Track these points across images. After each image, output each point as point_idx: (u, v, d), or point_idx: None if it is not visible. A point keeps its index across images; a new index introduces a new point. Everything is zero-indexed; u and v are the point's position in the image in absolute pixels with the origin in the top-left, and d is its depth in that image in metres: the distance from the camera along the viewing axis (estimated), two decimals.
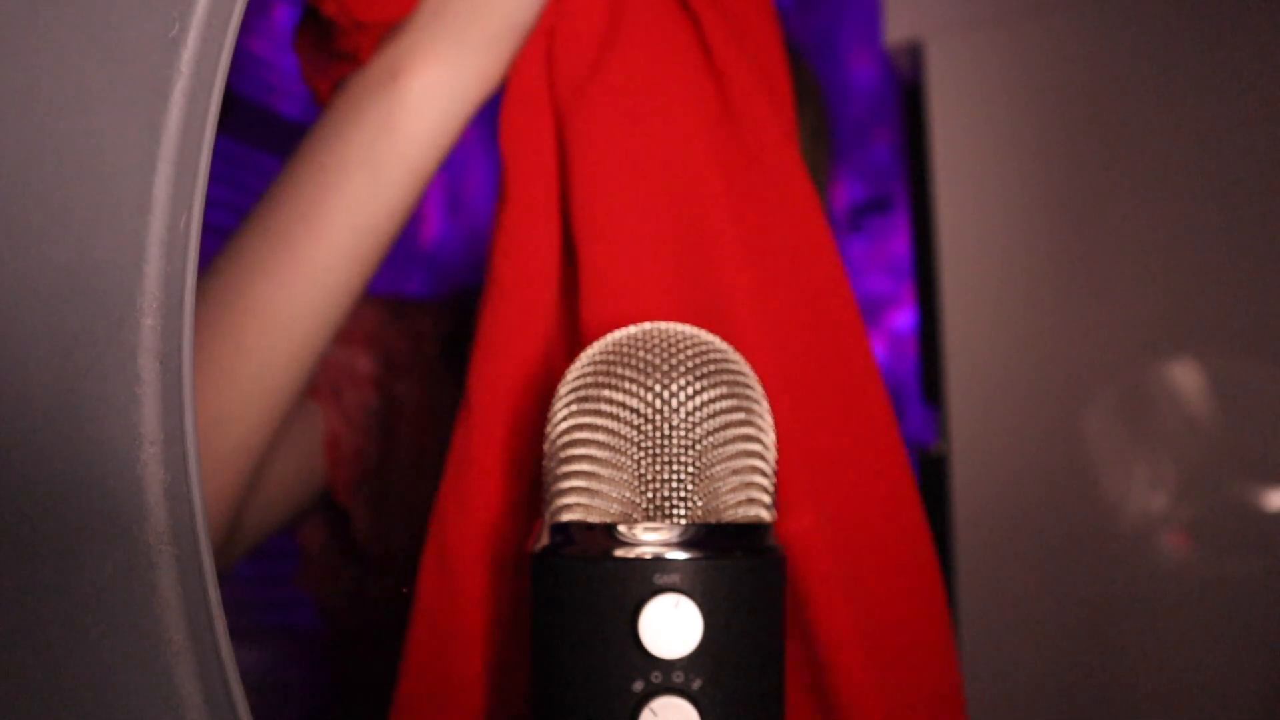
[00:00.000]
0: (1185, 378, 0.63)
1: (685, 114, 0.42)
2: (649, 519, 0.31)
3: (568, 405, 0.34)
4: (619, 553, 0.31)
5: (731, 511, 0.32)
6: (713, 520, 0.32)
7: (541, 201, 0.42)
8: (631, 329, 0.35)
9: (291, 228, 0.42)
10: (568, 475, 0.33)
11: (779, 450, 0.35)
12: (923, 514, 0.40)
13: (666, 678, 0.30)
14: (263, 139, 0.77)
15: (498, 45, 0.43)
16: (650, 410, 0.32)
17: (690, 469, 0.32)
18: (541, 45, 0.44)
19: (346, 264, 0.42)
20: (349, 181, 0.42)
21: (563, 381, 0.35)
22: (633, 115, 0.42)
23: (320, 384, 0.57)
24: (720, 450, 0.32)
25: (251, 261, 0.42)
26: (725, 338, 0.35)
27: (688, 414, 0.32)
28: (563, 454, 0.34)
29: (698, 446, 0.32)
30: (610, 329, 0.35)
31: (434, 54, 0.43)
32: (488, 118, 0.46)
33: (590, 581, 0.31)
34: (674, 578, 0.30)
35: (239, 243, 0.43)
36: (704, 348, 0.34)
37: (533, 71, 0.44)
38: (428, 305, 0.67)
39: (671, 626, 0.30)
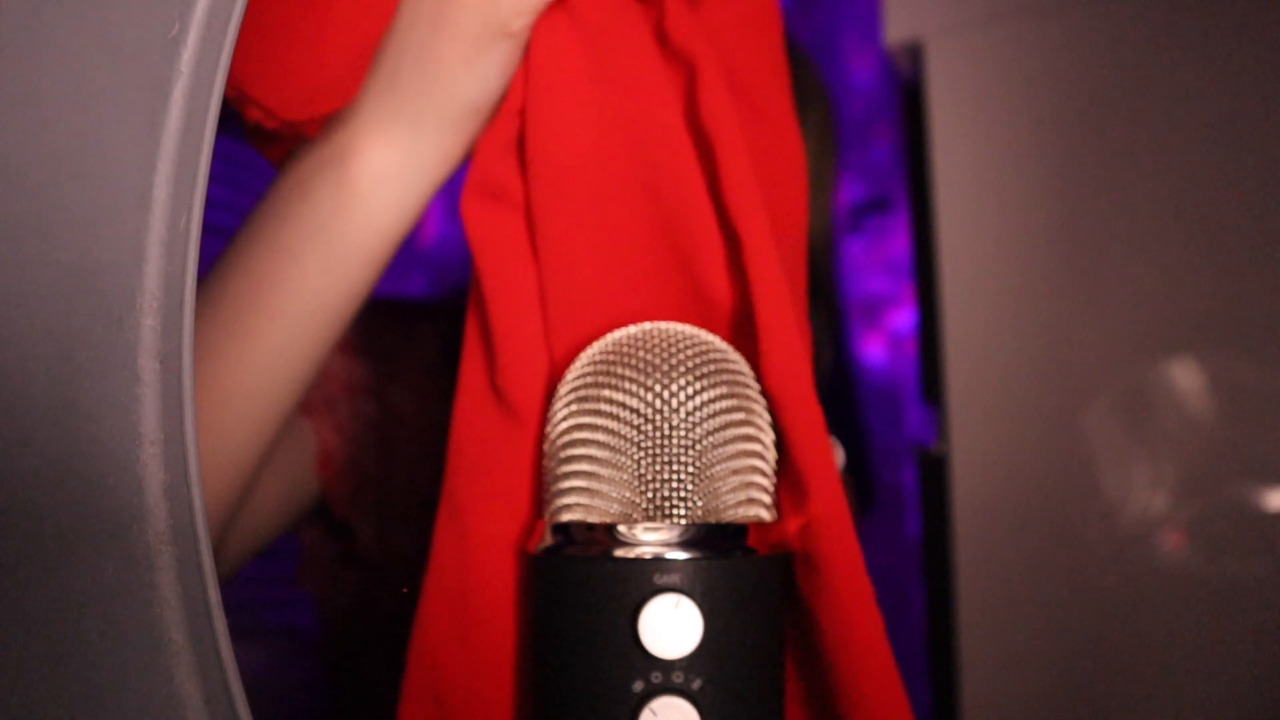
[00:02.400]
0: (1185, 378, 0.63)
1: (680, 201, 0.38)
2: (649, 519, 0.31)
3: (568, 405, 0.34)
4: (619, 553, 0.31)
5: (731, 511, 0.32)
6: (713, 520, 0.32)
7: (525, 301, 0.38)
8: (631, 329, 0.35)
9: (243, 308, 0.40)
10: (568, 475, 0.33)
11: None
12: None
13: (666, 678, 0.30)
14: None
15: (455, 126, 0.40)
16: (650, 410, 0.32)
17: (690, 469, 0.32)
18: (511, 127, 0.39)
19: (302, 345, 0.40)
20: (301, 265, 0.40)
21: (563, 381, 0.35)
22: (618, 202, 0.38)
23: (312, 398, 0.56)
24: (720, 450, 0.32)
25: (204, 339, 0.39)
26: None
27: (688, 414, 0.32)
28: (563, 454, 0.34)
29: (698, 446, 0.32)
30: None
31: (385, 136, 0.39)
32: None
33: (590, 581, 0.31)
34: (674, 578, 0.30)
35: None
36: (704, 347, 0.34)
37: (501, 157, 0.39)
38: (426, 306, 0.67)
39: (671, 626, 0.30)
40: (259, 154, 0.43)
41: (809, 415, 0.34)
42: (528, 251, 0.39)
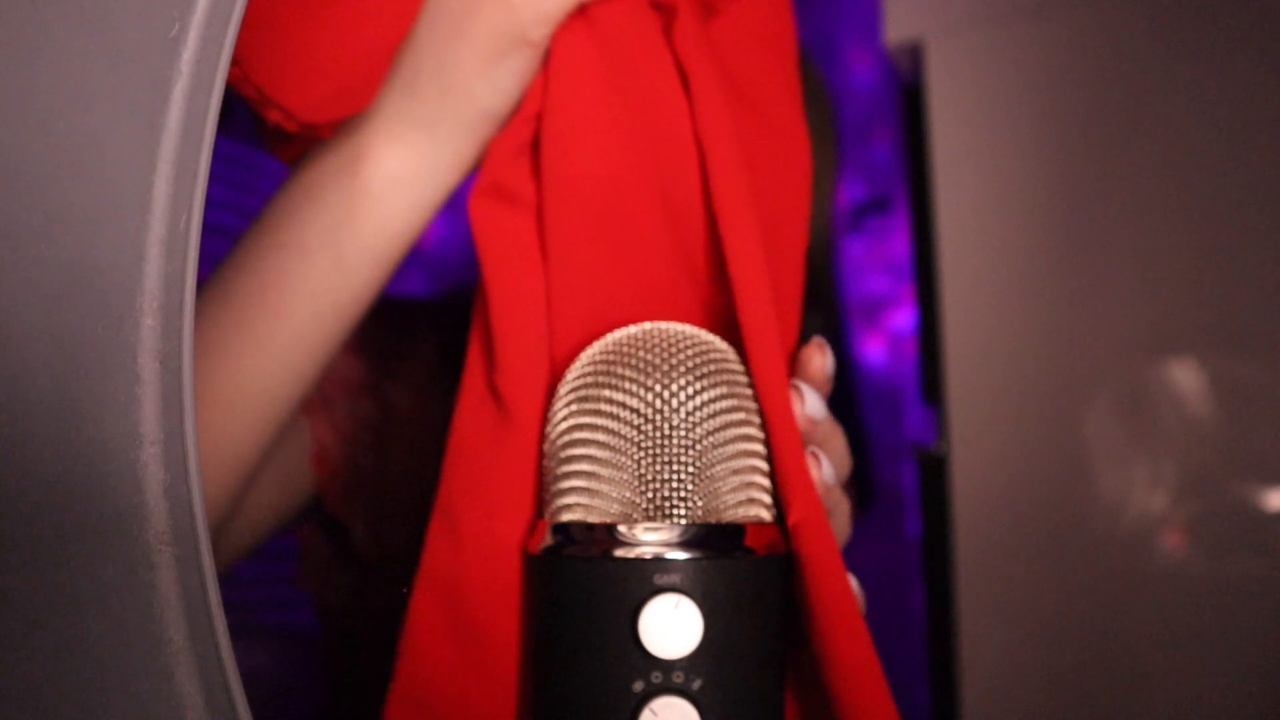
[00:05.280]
0: (1185, 378, 0.63)
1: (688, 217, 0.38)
2: (649, 519, 0.31)
3: (568, 405, 0.34)
4: (619, 553, 0.31)
5: (731, 511, 0.32)
6: (713, 520, 0.32)
7: (528, 304, 0.38)
8: (632, 329, 0.35)
9: (250, 307, 0.40)
10: (568, 475, 0.33)
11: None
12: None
13: (666, 678, 0.30)
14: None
15: (471, 132, 0.40)
16: (650, 410, 0.32)
17: (690, 469, 0.32)
18: (525, 130, 0.39)
19: (309, 345, 0.40)
20: (310, 264, 0.40)
21: (563, 381, 0.35)
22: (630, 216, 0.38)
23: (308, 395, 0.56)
24: (720, 450, 0.32)
25: (210, 337, 0.40)
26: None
27: (688, 414, 0.32)
28: (563, 454, 0.34)
29: (698, 446, 0.32)
30: None
31: (401, 139, 0.40)
32: None
33: (590, 581, 0.31)
34: (674, 578, 0.30)
35: (197, 313, 0.41)
36: (704, 347, 0.34)
37: (513, 159, 0.39)
38: (425, 305, 0.67)
39: (671, 627, 0.30)
40: (271, 154, 0.43)
41: (789, 428, 0.34)
42: (534, 254, 0.39)
